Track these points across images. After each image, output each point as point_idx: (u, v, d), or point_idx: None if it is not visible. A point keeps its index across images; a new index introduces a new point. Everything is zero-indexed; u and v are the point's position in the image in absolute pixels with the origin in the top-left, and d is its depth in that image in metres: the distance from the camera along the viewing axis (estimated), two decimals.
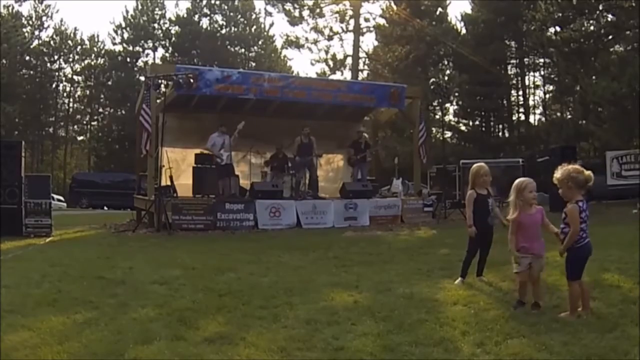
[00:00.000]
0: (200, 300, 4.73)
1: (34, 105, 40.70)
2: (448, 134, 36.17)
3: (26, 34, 40.40)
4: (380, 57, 31.94)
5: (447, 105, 33.85)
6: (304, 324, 3.94)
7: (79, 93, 45.83)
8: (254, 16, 44.71)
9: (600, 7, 21.35)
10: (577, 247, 4.00)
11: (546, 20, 23.37)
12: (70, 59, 44.03)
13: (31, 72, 42.33)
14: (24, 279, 5.76)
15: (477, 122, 37.33)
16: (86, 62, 44.29)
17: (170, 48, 43.97)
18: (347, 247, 8.58)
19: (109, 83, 43.38)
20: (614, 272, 5.43)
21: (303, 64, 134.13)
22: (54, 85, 43.98)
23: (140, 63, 43.69)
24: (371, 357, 3.24)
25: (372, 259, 7.25)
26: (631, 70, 18.09)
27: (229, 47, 43.88)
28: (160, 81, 11.97)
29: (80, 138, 47.81)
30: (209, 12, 43.98)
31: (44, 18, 42.41)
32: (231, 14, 43.95)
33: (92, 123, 46.30)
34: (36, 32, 42.25)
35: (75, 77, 44.77)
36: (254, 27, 44.81)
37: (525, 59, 35.54)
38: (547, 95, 39.09)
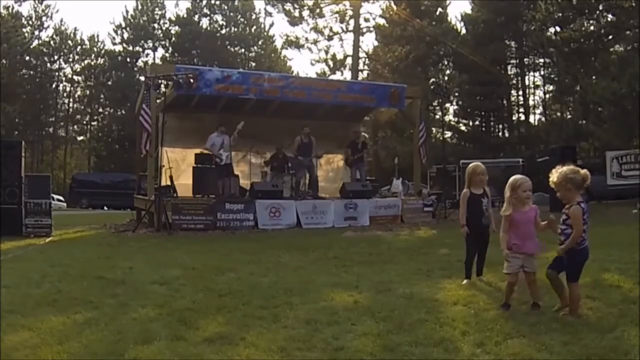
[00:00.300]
0: (200, 301, 4.73)
1: (34, 105, 40.73)
2: (448, 134, 36.19)
3: (26, 34, 40.39)
4: (380, 57, 31.92)
5: (447, 105, 33.87)
6: (304, 324, 3.93)
7: (79, 93, 45.92)
8: (254, 16, 44.78)
9: (600, 7, 21.34)
10: (580, 249, 3.96)
11: (546, 20, 23.36)
12: (70, 59, 44.08)
13: (31, 72, 42.33)
14: (24, 279, 5.76)
15: (477, 122, 37.32)
16: (86, 62, 44.34)
17: (170, 48, 43.99)
18: (347, 247, 8.57)
19: (109, 83, 43.40)
20: (614, 272, 5.43)
21: (303, 64, 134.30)
22: (54, 85, 44.01)
23: (140, 63, 43.74)
24: (371, 357, 3.24)
25: (372, 259, 7.25)
26: (631, 70, 18.08)
27: (229, 47, 43.90)
28: (160, 81, 11.97)
29: (80, 138, 47.84)
30: (209, 12, 44.00)
31: (44, 18, 42.47)
32: (231, 14, 43.97)
33: (92, 123, 46.32)
34: (36, 32, 42.32)
35: (75, 77, 44.86)
36: (254, 27, 44.83)
37: (525, 59, 35.54)
38: (547, 95, 39.12)
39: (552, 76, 35.80)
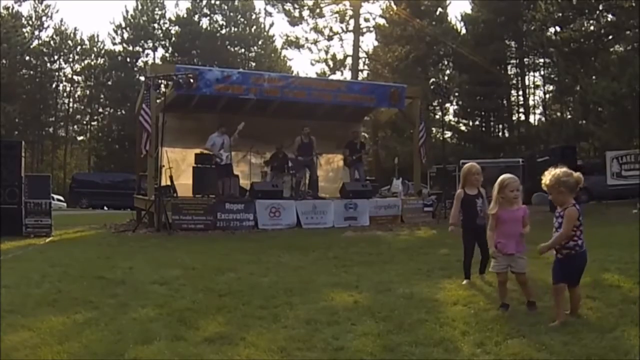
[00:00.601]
0: (200, 301, 4.73)
1: (34, 105, 40.70)
2: (448, 134, 36.16)
3: (26, 34, 40.40)
4: (380, 57, 31.91)
5: (447, 105, 33.84)
6: (304, 324, 3.94)
7: (79, 93, 45.88)
8: (254, 16, 44.78)
9: (600, 7, 21.32)
10: (580, 253, 3.88)
11: (546, 20, 23.35)
12: (70, 59, 44.06)
13: (31, 72, 42.32)
14: (24, 279, 5.76)
15: (477, 122, 37.31)
16: (86, 62, 44.33)
17: (170, 48, 43.98)
18: (347, 247, 8.58)
19: (109, 83, 43.38)
20: (614, 272, 5.43)
21: (303, 64, 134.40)
22: (54, 85, 43.99)
23: (140, 63, 43.73)
24: (371, 357, 3.24)
25: (372, 259, 7.25)
26: (631, 70, 18.06)
27: (229, 47, 43.89)
28: (160, 81, 11.97)
29: (80, 138, 47.81)
30: (209, 12, 44.00)
31: (43, 18, 42.47)
32: (231, 14, 43.97)
33: (92, 123, 46.31)
34: (36, 32, 42.32)
35: (75, 77, 44.84)
36: (254, 27, 44.83)
37: (525, 59, 35.53)
38: (547, 95, 39.11)
39: (552, 76, 35.79)
